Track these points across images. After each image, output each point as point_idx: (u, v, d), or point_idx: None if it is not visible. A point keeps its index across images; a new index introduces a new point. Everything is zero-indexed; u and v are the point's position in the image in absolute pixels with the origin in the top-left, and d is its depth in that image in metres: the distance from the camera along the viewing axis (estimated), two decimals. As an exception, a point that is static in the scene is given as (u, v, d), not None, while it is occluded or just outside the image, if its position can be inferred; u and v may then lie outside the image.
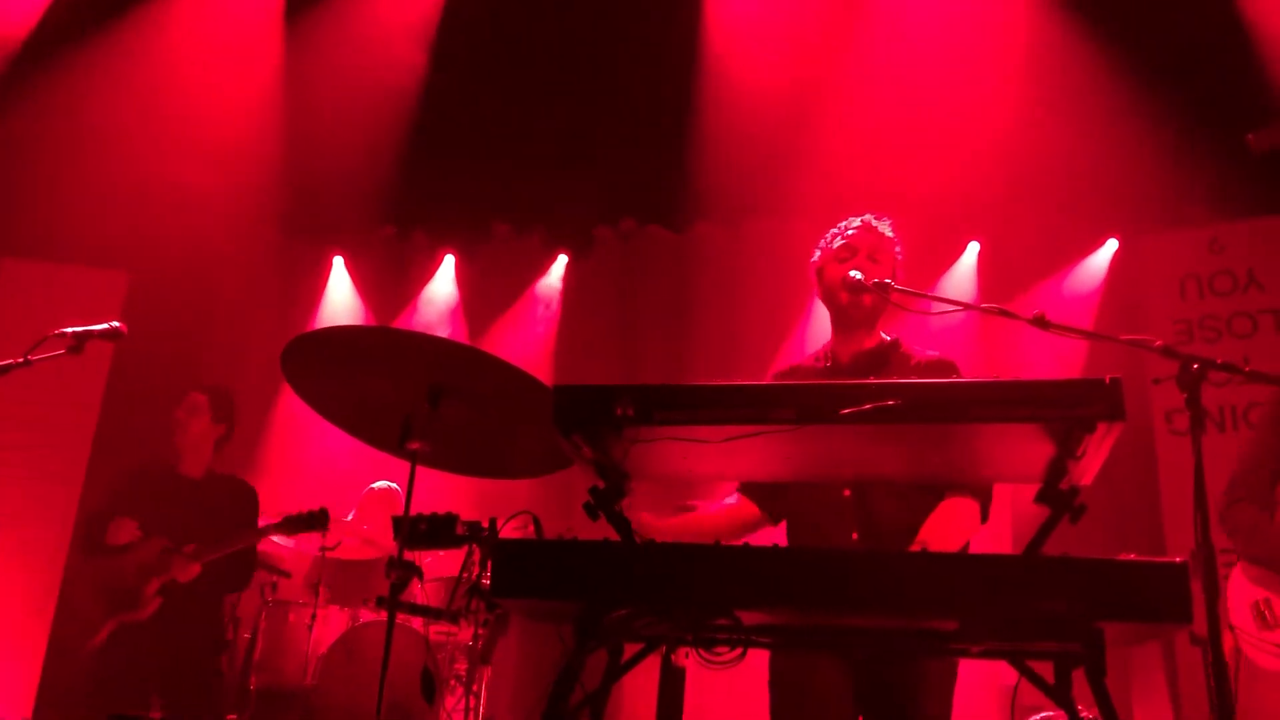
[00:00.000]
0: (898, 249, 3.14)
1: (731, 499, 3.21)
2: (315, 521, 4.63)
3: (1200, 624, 2.43)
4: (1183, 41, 5.87)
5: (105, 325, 3.07)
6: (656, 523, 2.68)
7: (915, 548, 2.69)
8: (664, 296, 7.45)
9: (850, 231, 3.14)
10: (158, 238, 6.49)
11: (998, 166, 6.11)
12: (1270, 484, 3.41)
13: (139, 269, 6.55)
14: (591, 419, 2.04)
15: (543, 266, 7.72)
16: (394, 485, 5.77)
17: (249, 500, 5.07)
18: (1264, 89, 5.64)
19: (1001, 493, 2.61)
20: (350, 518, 5.59)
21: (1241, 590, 3.26)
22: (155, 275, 6.51)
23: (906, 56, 6.19)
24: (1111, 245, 6.67)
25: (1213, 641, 2.30)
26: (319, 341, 2.45)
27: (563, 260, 7.73)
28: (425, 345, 2.46)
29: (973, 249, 6.97)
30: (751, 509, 3.15)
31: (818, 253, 3.21)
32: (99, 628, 4.60)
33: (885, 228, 3.13)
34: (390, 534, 4.86)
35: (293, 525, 4.68)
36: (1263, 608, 3.31)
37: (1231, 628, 3.23)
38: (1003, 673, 3.68)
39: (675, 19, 6.45)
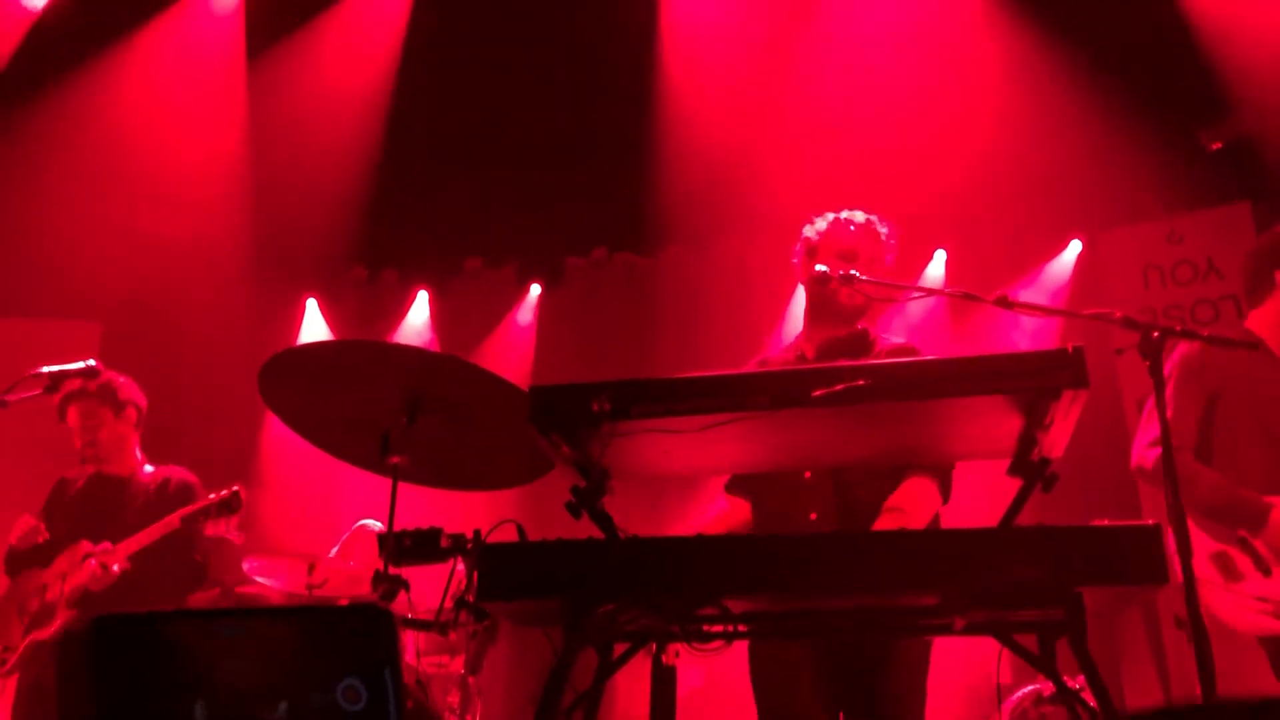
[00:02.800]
0: (889, 257, 3.21)
1: (721, 504, 3.24)
2: (227, 506, 4.23)
3: (1182, 607, 2.48)
4: (1130, 43, 6.01)
5: (81, 364, 3.08)
6: None
7: (887, 514, 2.75)
8: (638, 321, 7.50)
9: (846, 234, 3.18)
10: (129, 288, 6.49)
11: (960, 174, 6.20)
12: (1196, 432, 3.50)
13: (112, 320, 6.54)
14: (569, 417, 2.07)
15: (516, 298, 7.77)
16: (376, 523, 5.76)
17: (185, 491, 4.62)
18: (1209, 84, 5.78)
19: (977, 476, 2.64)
20: (334, 553, 5.57)
21: (1199, 543, 3.31)
22: (128, 325, 6.50)
23: (864, 70, 6.29)
24: (1076, 246, 6.78)
25: (1189, 602, 2.34)
26: (295, 359, 2.48)
27: (536, 291, 7.77)
28: (400, 356, 2.49)
29: (940, 257, 7.06)
30: (744, 508, 3.18)
31: (813, 232, 3.25)
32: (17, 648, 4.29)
33: (885, 236, 3.20)
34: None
35: (208, 512, 4.23)
36: (1224, 559, 3.37)
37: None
38: (981, 660, 3.69)
39: (632, 46, 6.53)
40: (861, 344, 3.15)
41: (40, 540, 4.42)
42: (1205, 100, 5.94)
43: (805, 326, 3.27)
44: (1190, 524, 2.90)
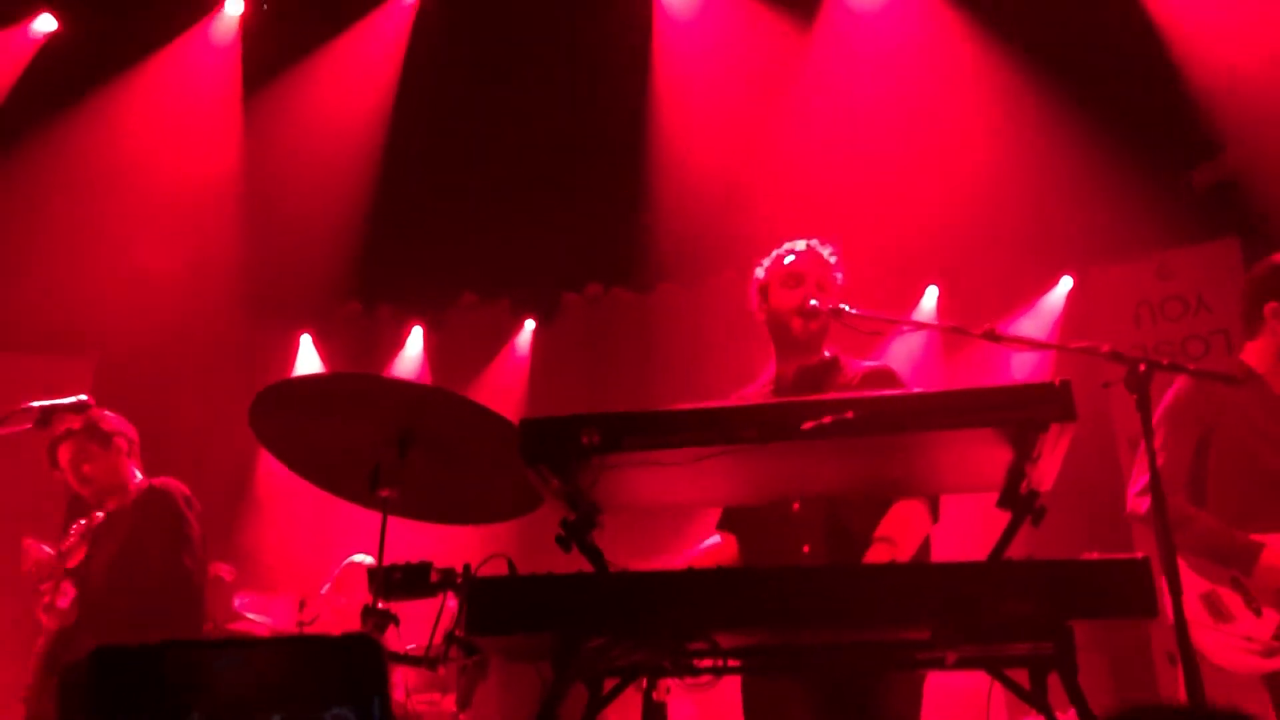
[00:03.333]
0: (838, 275, 3.23)
1: (714, 539, 3.23)
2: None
3: (1174, 643, 2.47)
4: (1121, 85, 6.08)
5: (72, 399, 3.08)
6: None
7: (877, 545, 2.74)
8: (632, 356, 7.51)
9: (791, 258, 3.23)
10: (123, 323, 6.49)
11: (953, 211, 6.25)
12: (1188, 473, 3.51)
13: (105, 355, 6.54)
14: (559, 449, 2.07)
15: (511, 333, 7.78)
16: (367, 558, 5.74)
17: (156, 499, 4.32)
18: (1195, 125, 5.86)
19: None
20: (325, 590, 5.55)
21: (1188, 583, 3.31)
22: (121, 360, 6.49)
23: (856, 108, 6.35)
24: (1067, 282, 6.82)
25: (1179, 631, 2.33)
26: (286, 392, 2.48)
27: (530, 326, 7.79)
28: (391, 388, 2.49)
29: (931, 293, 7.10)
30: (735, 543, 3.17)
31: (761, 271, 3.29)
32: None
33: (827, 254, 3.23)
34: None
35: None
36: (1213, 599, 3.37)
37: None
38: (974, 693, 3.67)
39: (626, 84, 6.59)
40: (834, 371, 3.16)
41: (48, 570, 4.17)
42: (1195, 140, 6.02)
43: (775, 361, 3.29)
44: (1181, 563, 2.91)
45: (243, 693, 0.74)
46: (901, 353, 6.43)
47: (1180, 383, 3.57)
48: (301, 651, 0.78)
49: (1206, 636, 3.30)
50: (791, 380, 3.19)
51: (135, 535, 4.19)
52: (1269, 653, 3.26)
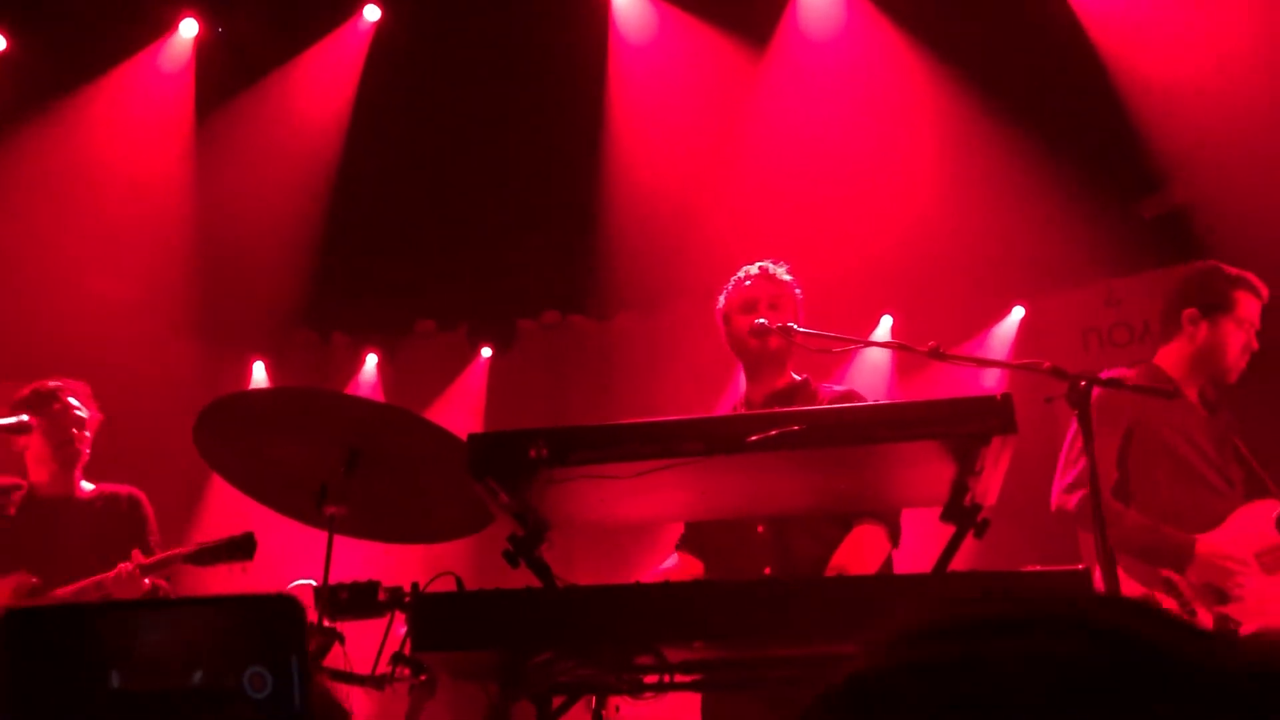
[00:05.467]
0: (797, 290, 3.29)
1: (672, 560, 3.24)
2: (239, 548, 3.39)
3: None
4: (1070, 116, 6.21)
5: (13, 419, 3.03)
6: None
7: (831, 573, 2.75)
8: (590, 384, 7.51)
9: (748, 283, 3.29)
10: (71, 349, 6.38)
11: (906, 241, 6.33)
12: (1115, 471, 3.54)
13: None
14: (507, 463, 2.07)
15: (467, 361, 7.75)
16: (311, 581, 5.64)
17: (135, 514, 4.23)
18: (1143, 154, 5.99)
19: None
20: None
21: (1123, 588, 3.34)
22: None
23: (808, 140, 6.42)
24: (1019, 312, 6.92)
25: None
26: (232, 407, 2.46)
27: (487, 354, 7.77)
28: (338, 404, 2.48)
29: (886, 322, 7.16)
30: (696, 565, 3.18)
31: (722, 299, 3.36)
32: None
33: (782, 272, 3.28)
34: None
35: (210, 555, 3.44)
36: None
37: None
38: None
39: (581, 113, 6.63)
40: (805, 394, 3.20)
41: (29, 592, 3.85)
42: (1142, 170, 6.15)
43: (746, 385, 3.34)
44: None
45: (162, 654, 0.74)
46: (861, 380, 6.47)
47: (1098, 389, 3.62)
48: (220, 612, 0.78)
49: None
50: (760, 403, 3.22)
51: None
52: None
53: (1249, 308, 3.60)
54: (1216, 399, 3.71)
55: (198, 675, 0.75)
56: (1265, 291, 3.66)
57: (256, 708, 0.73)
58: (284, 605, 0.72)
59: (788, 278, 3.29)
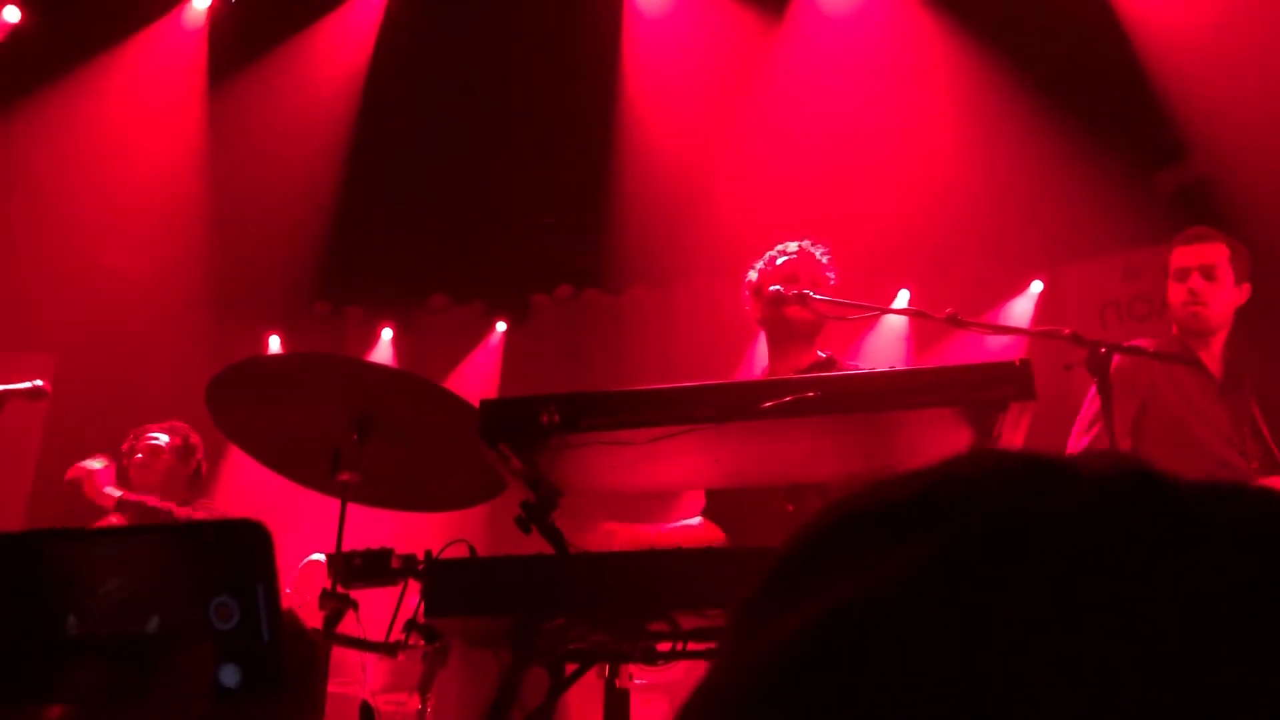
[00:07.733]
0: (830, 275, 3.24)
1: (696, 520, 3.22)
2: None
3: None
4: (1090, 88, 6.14)
5: (28, 384, 3.02)
6: (621, 531, 2.66)
7: None
8: (603, 358, 7.50)
9: (786, 259, 3.24)
10: (85, 321, 6.41)
11: (923, 215, 6.27)
12: (1129, 442, 3.52)
13: (68, 353, 6.45)
14: (518, 429, 2.06)
15: (482, 335, 7.75)
16: (324, 556, 5.66)
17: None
18: (1163, 125, 5.91)
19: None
20: (288, 591, 5.48)
21: None
22: (83, 359, 6.41)
23: (825, 112, 6.37)
24: (1037, 286, 6.85)
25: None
26: (245, 373, 2.45)
27: (501, 328, 7.76)
28: (351, 370, 2.46)
29: (903, 296, 7.11)
30: (717, 532, 3.16)
31: (754, 273, 3.31)
32: None
33: (820, 254, 3.24)
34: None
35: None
36: None
37: None
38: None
39: (596, 86, 6.59)
40: (829, 370, 3.16)
41: None
42: (1162, 142, 6.08)
43: (770, 361, 3.30)
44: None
45: (122, 591, 0.71)
46: (879, 354, 6.44)
47: (1119, 357, 3.60)
48: (182, 541, 0.74)
49: None
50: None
51: None
52: None
53: (1178, 257, 3.63)
54: (1239, 371, 3.67)
55: (159, 610, 0.72)
56: (1192, 233, 3.65)
57: (223, 640, 0.70)
58: (249, 530, 0.69)
59: (825, 259, 3.25)
